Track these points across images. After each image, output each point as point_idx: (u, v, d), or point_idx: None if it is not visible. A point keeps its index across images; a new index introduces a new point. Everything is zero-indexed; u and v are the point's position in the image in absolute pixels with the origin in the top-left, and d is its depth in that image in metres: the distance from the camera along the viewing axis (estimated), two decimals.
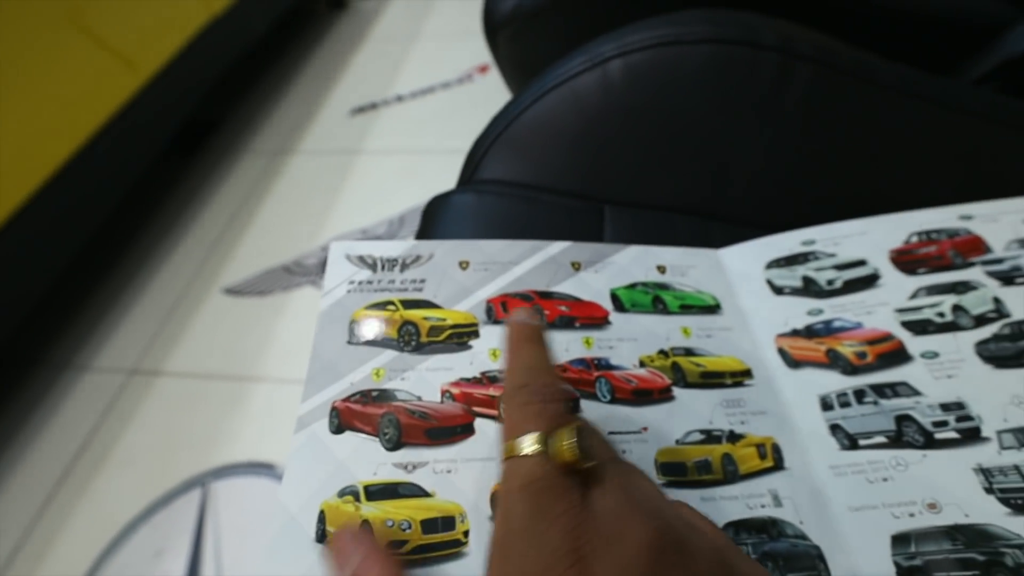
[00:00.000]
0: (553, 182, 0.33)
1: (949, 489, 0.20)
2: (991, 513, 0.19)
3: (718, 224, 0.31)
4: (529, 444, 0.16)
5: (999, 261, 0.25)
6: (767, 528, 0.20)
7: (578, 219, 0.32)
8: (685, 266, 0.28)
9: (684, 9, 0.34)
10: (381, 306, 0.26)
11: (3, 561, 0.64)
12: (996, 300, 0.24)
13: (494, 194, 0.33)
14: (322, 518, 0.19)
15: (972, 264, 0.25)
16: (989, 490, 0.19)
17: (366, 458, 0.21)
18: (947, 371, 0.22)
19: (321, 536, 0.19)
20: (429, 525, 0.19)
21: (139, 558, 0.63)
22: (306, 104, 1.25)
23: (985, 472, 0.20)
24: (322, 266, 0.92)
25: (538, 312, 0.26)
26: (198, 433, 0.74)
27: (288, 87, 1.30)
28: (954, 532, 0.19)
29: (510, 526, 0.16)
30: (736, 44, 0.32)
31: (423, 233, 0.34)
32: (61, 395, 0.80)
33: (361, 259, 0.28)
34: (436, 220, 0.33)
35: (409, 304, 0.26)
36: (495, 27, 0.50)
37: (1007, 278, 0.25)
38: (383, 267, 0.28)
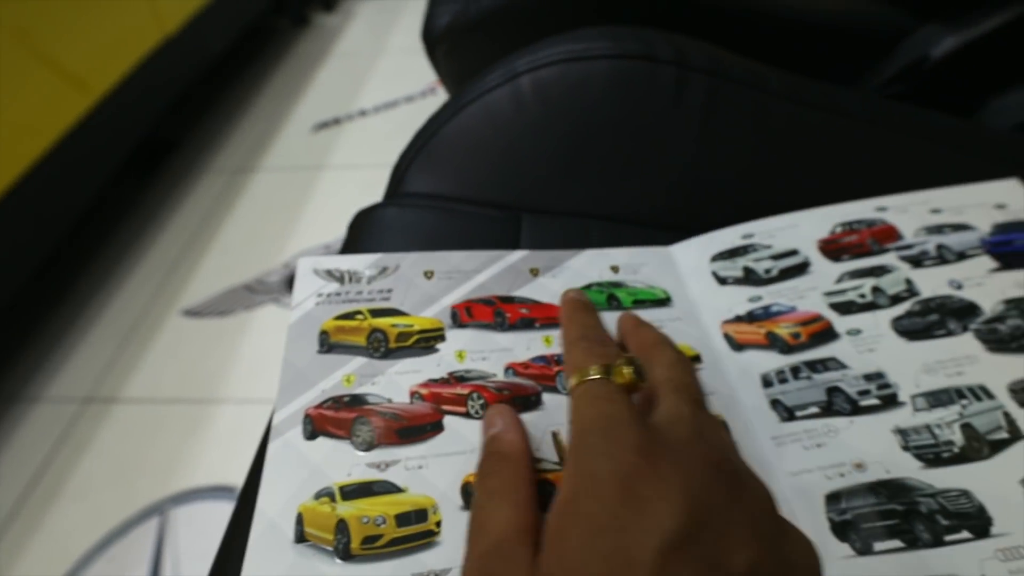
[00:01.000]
0: (472, 193, 0.35)
1: (872, 450, 0.22)
2: (908, 468, 0.21)
3: (629, 227, 0.33)
4: (594, 372, 0.19)
5: (910, 247, 0.28)
6: None
7: (496, 227, 0.33)
8: (637, 264, 0.30)
9: (610, 24, 0.36)
10: (350, 316, 0.27)
11: None
12: (908, 281, 0.27)
13: (416, 207, 0.34)
14: (300, 520, 0.20)
15: (887, 250, 0.28)
16: (905, 448, 0.22)
17: (340, 460, 0.22)
18: (868, 346, 0.25)
19: (300, 537, 0.20)
20: (403, 519, 0.20)
21: None
22: (268, 121, 1.23)
23: (902, 432, 0.22)
24: (285, 283, 0.90)
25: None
26: (158, 459, 0.71)
27: (249, 104, 1.28)
28: (878, 487, 0.21)
29: (584, 426, 0.18)
30: (635, 59, 0.34)
31: (348, 247, 0.34)
32: (11, 428, 0.75)
33: (328, 272, 0.29)
34: (361, 234, 0.34)
35: (377, 312, 0.27)
36: (433, 42, 0.51)
37: (916, 261, 0.28)
38: (350, 279, 0.29)
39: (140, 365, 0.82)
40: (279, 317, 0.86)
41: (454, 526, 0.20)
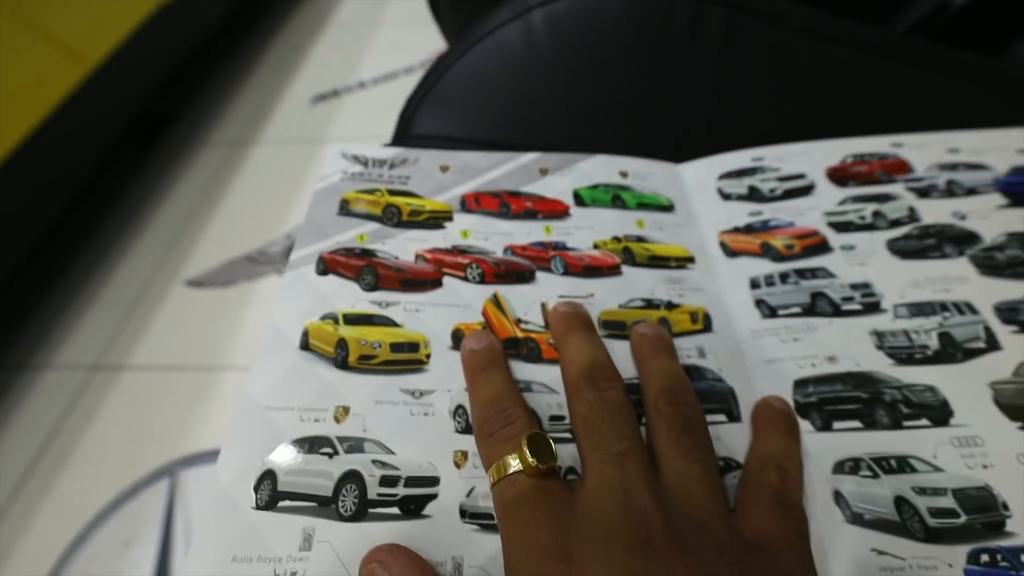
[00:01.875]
0: (482, 134, 0.34)
1: (847, 346, 0.23)
2: (879, 364, 0.22)
3: None
4: (503, 466, 0.17)
5: (919, 179, 0.28)
6: (690, 372, 0.23)
7: None
8: (646, 173, 0.31)
9: None
10: (370, 191, 0.29)
11: None
12: (911, 208, 0.27)
13: (424, 150, 0.34)
14: (306, 333, 0.22)
15: (895, 181, 0.28)
16: (880, 347, 0.23)
17: (346, 294, 0.24)
18: (860, 260, 0.26)
19: (304, 345, 0.22)
20: (397, 347, 0.22)
21: (107, 549, 0.63)
22: (266, 93, 1.22)
23: (879, 334, 0.23)
24: (287, 254, 0.93)
25: (489, 335, 0.23)
26: (165, 424, 0.73)
27: (246, 76, 1.27)
28: (846, 377, 0.22)
29: (507, 542, 0.16)
30: None
31: None
32: (20, 396, 0.78)
33: (355, 157, 0.31)
34: None
35: (394, 192, 0.29)
36: None
37: (924, 192, 0.28)
38: (374, 165, 0.31)
39: (146, 333, 0.84)
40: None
41: (441, 360, 0.22)
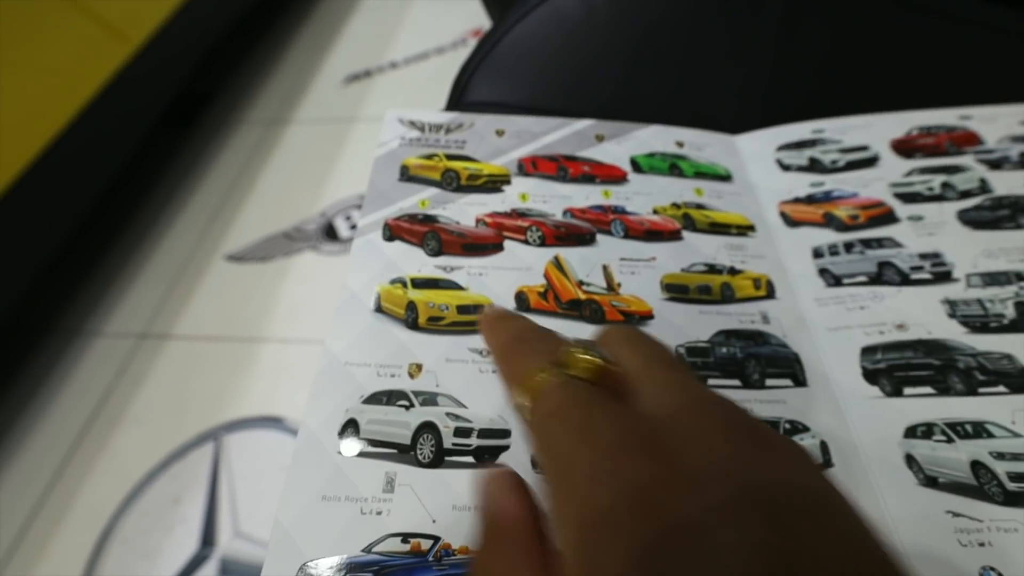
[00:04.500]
0: (537, 101, 0.34)
1: (917, 315, 0.22)
2: (952, 332, 0.22)
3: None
4: (545, 376, 0.13)
5: (990, 151, 0.28)
6: (754, 336, 0.23)
7: None
8: (702, 144, 0.30)
9: None
10: (428, 156, 0.29)
11: (29, 511, 0.69)
12: (982, 180, 0.26)
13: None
14: (378, 297, 0.23)
15: (965, 153, 0.28)
16: (952, 316, 0.22)
17: (412, 260, 0.24)
18: (929, 231, 0.25)
19: (378, 308, 0.23)
20: (463, 309, 0.23)
21: (158, 505, 0.67)
22: (300, 73, 1.24)
23: (951, 303, 0.23)
24: (323, 232, 0.94)
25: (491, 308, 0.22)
26: (208, 392, 0.77)
27: (281, 56, 1.28)
28: (917, 344, 0.22)
29: (561, 458, 0.12)
30: None
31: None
32: (74, 359, 0.83)
33: (412, 123, 0.31)
34: None
35: (452, 157, 0.29)
36: None
37: (995, 164, 0.27)
38: (430, 130, 0.31)
39: (189, 305, 0.87)
40: (317, 264, 0.90)
41: None
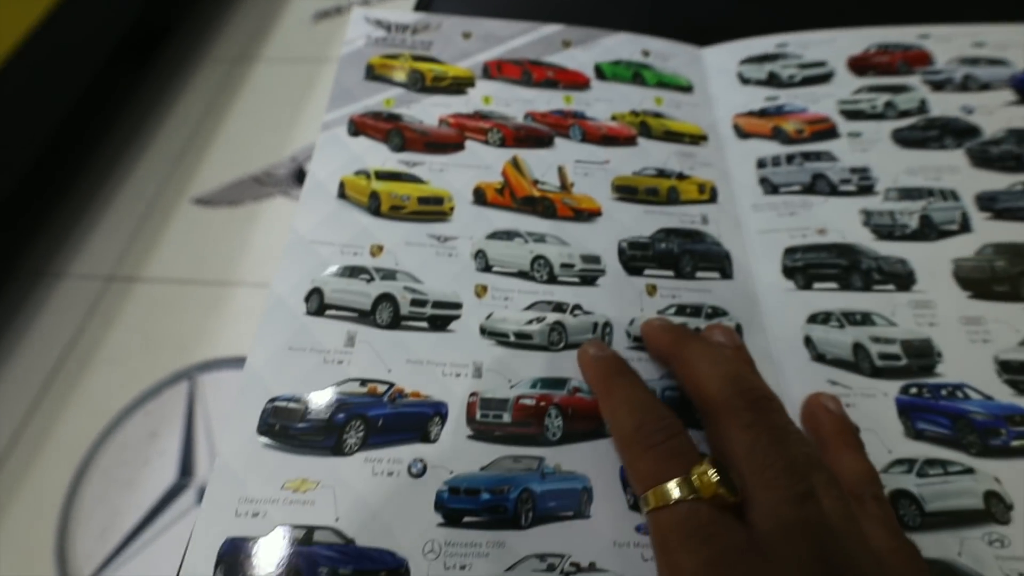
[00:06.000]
0: (505, 5, 0.32)
1: (837, 221, 0.25)
2: (862, 238, 0.24)
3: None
4: (675, 489, 0.15)
5: (937, 72, 0.29)
6: (692, 235, 0.25)
7: None
8: (668, 54, 0.31)
9: None
10: (394, 56, 0.29)
11: (4, 445, 0.69)
12: (922, 101, 0.28)
13: None
14: (342, 185, 0.24)
15: (914, 72, 0.29)
16: (866, 224, 0.25)
17: (376, 154, 0.25)
18: (864, 147, 0.27)
19: (341, 194, 0.24)
20: (423, 200, 0.24)
21: (135, 439, 0.68)
22: (266, 7, 1.13)
23: (867, 213, 0.25)
24: (294, 177, 0.90)
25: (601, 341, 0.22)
26: (180, 333, 0.76)
27: None
28: (831, 247, 0.24)
29: (669, 561, 0.15)
30: None
31: None
32: (41, 301, 0.80)
33: (378, 22, 0.30)
34: None
35: (417, 58, 0.29)
36: None
37: (939, 85, 0.28)
38: (397, 30, 0.30)
39: (156, 248, 0.84)
40: (288, 210, 0.87)
41: (463, 213, 0.24)
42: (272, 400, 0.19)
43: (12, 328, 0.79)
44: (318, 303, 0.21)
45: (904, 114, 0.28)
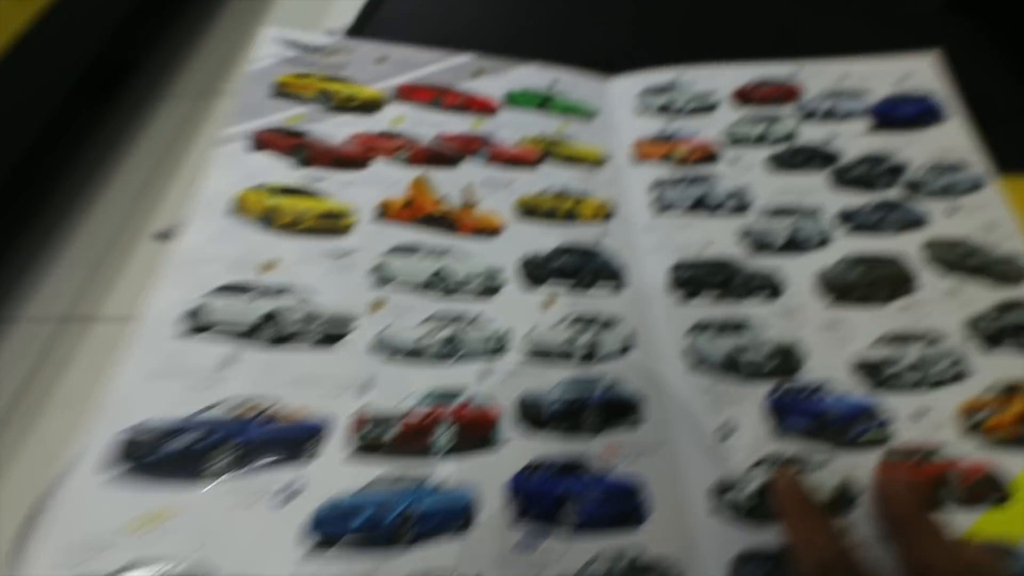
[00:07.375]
0: (440, 34, 0.34)
1: (718, 238, 0.27)
2: (740, 253, 0.27)
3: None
4: None
5: (806, 104, 0.32)
6: (588, 252, 0.26)
7: None
8: (575, 84, 0.33)
9: None
10: (304, 76, 0.29)
11: None
12: (792, 130, 0.31)
13: None
14: (236, 200, 0.24)
15: (787, 104, 0.32)
16: (743, 240, 0.27)
17: (278, 169, 0.25)
18: (743, 171, 0.30)
19: (233, 210, 0.24)
20: (323, 216, 0.24)
21: None
22: (231, 41, 1.13)
23: (745, 231, 0.28)
24: None
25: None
26: None
27: (211, 23, 1.15)
28: (713, 263, 0.27)
29: None
30: None
31: None
32: None
33: (291, 43, 0.31)
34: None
35: (328, 79, 0.30)
36: None
37: (808, 115, 0.32)
38: (309, 51, 0.31)
39: (116, 286, 0.82)
40: None
41: (364, 228, 0.25)
42: (124, 431, 0.18)
43: None
44: (193, 325, 0.20)
45: (778, 140, 0.31)
